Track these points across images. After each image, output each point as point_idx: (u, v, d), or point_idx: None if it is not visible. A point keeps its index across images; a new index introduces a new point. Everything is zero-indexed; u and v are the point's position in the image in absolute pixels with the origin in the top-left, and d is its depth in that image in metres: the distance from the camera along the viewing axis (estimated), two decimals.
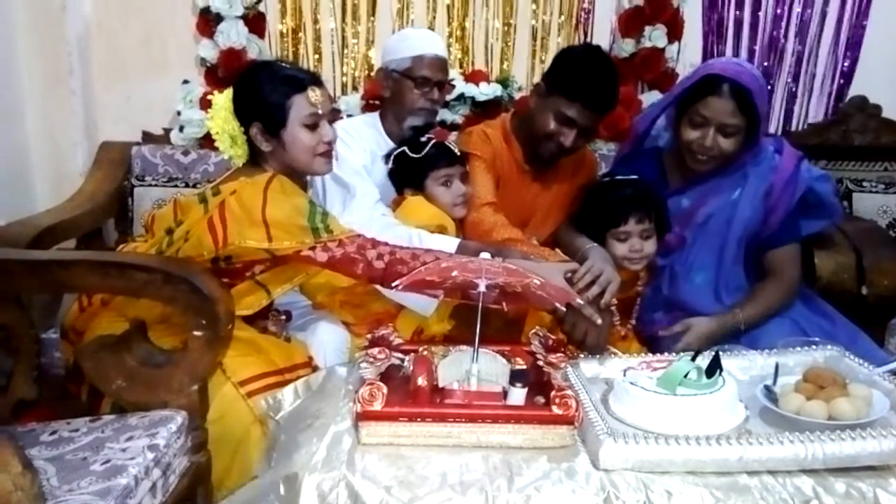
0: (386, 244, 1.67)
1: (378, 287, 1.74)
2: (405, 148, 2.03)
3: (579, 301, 1.60)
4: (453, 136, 2.30)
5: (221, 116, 1.70)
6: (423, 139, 2.02)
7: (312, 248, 1.62)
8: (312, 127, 1.68)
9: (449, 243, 1.84)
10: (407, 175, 2.02)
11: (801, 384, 1.37)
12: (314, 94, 1.67)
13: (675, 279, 1.98)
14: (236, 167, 1.76)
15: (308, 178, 1.83)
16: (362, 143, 2.10)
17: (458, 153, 2.03)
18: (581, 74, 1.96)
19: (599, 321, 1.70)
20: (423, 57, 2.11)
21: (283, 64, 1.79)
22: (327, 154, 1.73)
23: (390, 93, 2.16)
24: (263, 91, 1.67)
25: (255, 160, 1.73)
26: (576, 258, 1.82)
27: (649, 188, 1.93)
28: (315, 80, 1.73)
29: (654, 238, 1.91)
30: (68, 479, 1.24)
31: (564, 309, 1.53)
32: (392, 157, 2.04)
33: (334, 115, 1.78)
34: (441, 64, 2.16)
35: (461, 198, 2.00)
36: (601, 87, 1.97)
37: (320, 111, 1.68)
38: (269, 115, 1.67)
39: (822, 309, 1.97)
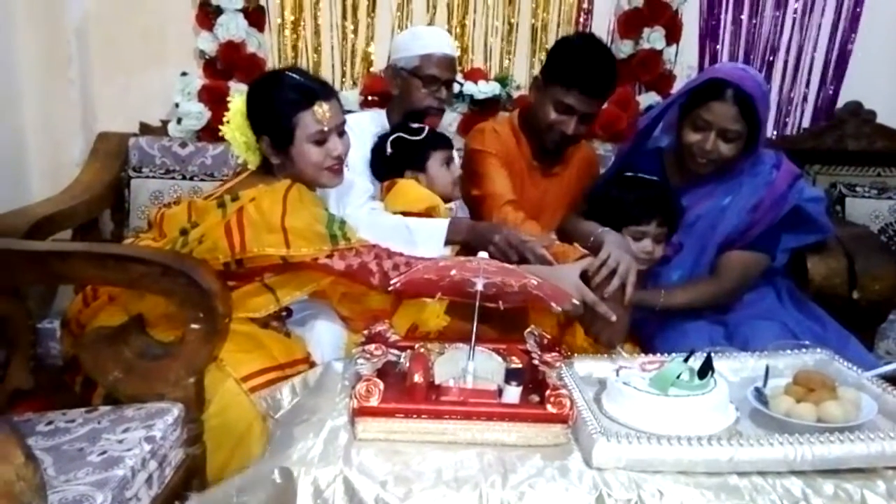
0: (401, 254, 1.68)
1: None
2: (401, 133, 2.04)
3: (576, 303, 1.61)
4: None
5: (236, 123, 1.72)
6: (415, 126, 2.04)
7: (330, 256, 1.63)
8: (320, 143, 1.69)
9: (439, 225, 1.86)
10: (408, 158, 2.03)
11: (790, 387, 1.39)
12: (321, 109, 1.66)
13: (657, 275, 2.01)
14: (249, 171, 1.78)
15: None
16: (364, 137, 2.11)
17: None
18: (575, 61, 2.00)
19: (614, 318, 1.65)
20: (432, 56, 2.12)
21: (293, 75, 1.74)
22: (335, 168, 1.73)
23: (398, 90, 2.17)
24: (271, 107, 1.68)
25: (268, 165, 1.74)
26: (586, 244, 1.81)
27: (675, 196, 1.95)
28: (324, 93, 1.71)
29: (665, 244, 1.94)
30: (65, 470, 1.25)
31: (560, 309, 1.53)
32: (390, 143, 2.04)
33: (343, 126, 1.76)
34: (450, 63, 2.17)
35: (458, 179, 2.06)
36: (596, 71, 2.00)
37: (326, 128, 1.68)
38: (277, 131, 1.68)
39: (813, 313, 1.99)
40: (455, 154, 2.15)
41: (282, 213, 1.61)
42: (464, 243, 1.87)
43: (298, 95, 1.68)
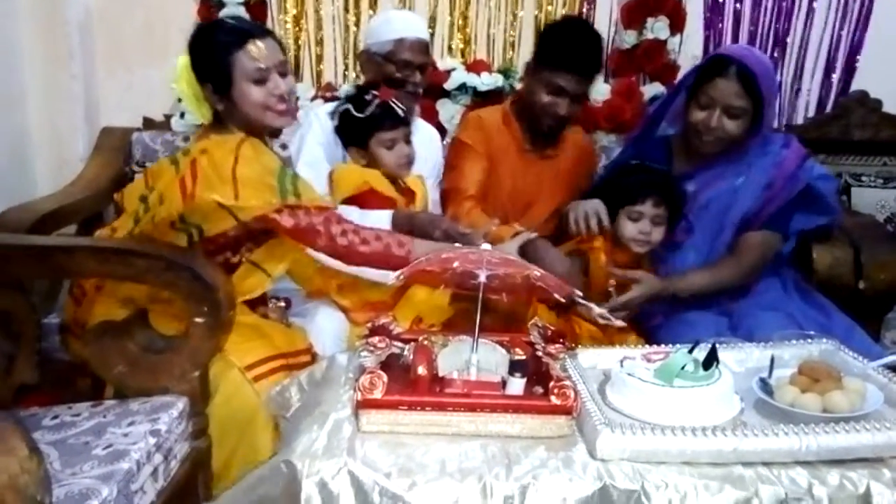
0: (351, 222, 1.68)
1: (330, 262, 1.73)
2: (349, 105, 1.98)
3: (578, 293, 1.60)
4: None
5: (184, 78, 1.69)
6: (368, 97, 1.97)
7: (279, 212, 1.61)
8: (260, 81, 1.65)
9: (382, 217, 1.87)
10: (351, 133, 2.00)
11: (796, 377, 1.39)
12: (255, 47, 1.63)
13: (670, 256, 2.01)
14: (203, 128, 1.75)
15: (274, 142, 1.80)
16: (326, 126, 2.08)
17: (403, 114, 1.99)
18: (562, 43, 2.06)
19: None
20: (405, 40, 2.13)
21: (227, 20, 1.72)
22: (280, 108, 1.68)
23: (372, 75, 2.18)
24: (208, 52, 1.66)
25: (220, 119, 1.71)
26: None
27: (676, 182, 1.97)
28: (258, 32, 1.68)
29: (664, 228, 1.94)
30: (71, 464, 1.25)
31: (563, 300, 1.53)
32: (338, 115, 2.00)
33: (285, 66, 1.70)
34: (422, 46, 2.17)
35: (405, 159, 2.00)
36: (582, 51, 2.06)
37: (263, 65, 1.64)
38: (217, 75, 1.65)
39: (818, 303, 1.99)
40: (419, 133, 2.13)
41: (233, 162, 1.58)
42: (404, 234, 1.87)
43: (232, 37, 1.65)
